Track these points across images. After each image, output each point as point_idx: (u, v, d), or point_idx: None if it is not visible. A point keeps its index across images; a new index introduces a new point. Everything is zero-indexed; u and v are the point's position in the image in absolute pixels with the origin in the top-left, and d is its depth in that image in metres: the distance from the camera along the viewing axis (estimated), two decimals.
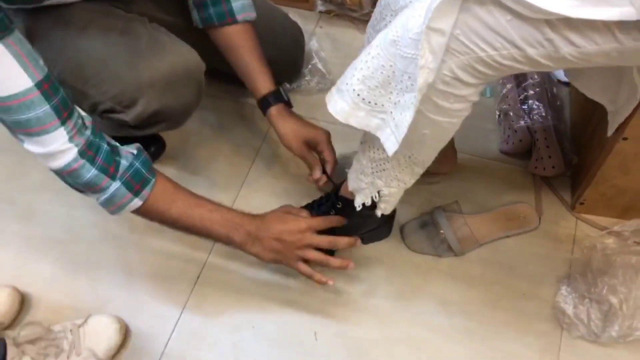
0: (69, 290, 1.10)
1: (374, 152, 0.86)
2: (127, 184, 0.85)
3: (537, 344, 0.99)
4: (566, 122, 1.22)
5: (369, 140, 0.87)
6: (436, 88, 0.71)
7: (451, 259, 1.09)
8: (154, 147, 1.24)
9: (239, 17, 1.02)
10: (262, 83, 1.04)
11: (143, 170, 0.86)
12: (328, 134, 1.04)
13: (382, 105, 0.76)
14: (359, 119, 0.78)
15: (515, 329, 1.01)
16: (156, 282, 1.10)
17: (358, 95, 0.76)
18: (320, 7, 1.47)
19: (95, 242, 1.16)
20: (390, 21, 0.82)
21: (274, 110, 1.03)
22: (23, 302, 1.07)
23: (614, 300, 0.98)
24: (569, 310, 1.00)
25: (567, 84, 1.27)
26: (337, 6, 1.46)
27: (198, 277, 1.10)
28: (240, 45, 1.04)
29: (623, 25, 0.61)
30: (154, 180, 0.88)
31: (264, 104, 1.04)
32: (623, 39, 0.62)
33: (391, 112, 0.76)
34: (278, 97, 1.04)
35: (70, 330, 0.99)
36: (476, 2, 0.64)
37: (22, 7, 0.93)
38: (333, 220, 0.98)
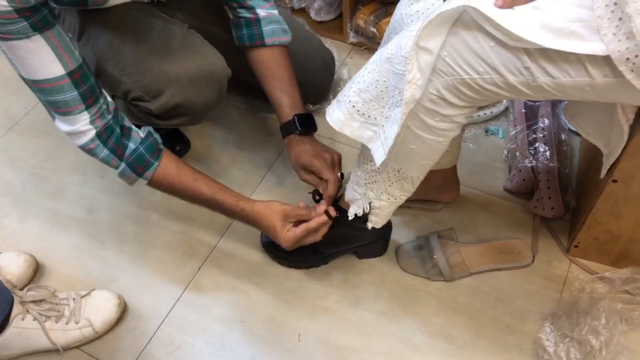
0: (80, 265, 1.18)
1: (367, 164, 0.92)
2: (130, 166, 0.97)
3: None
4: (572, 168, 1.25)
5: (363, 152, 0.92)
6: (423, 105, 0.77)
7: (441, 284, 1.12)
8: (179, 146, 1.34)
9: (268, 41, 1.10)
10: (280, 113, 1.11)
11: (146, 155, 0.97)
12: (331, 157, 1.07)
13: (375, 118, 0.82)
14: (353, 129, 0.84)
15: (493, 358, 1.02)
16: (160, 268, 1.17)
17: (353, 106, 0.82)
18: (353, 38, 1.56)
19: (113, 224, 1.25)
20: None
21: (286, 140, 1.11)
22: (37, 269, 1.17)
23: (594, 342, 0.98)
24: (550, 347, 1.01)
25: (579, 133, 1.30)
26: (368, 39, 1.54)
27: (199, 269, 1.16)
28: (266, 71, 1.11)
29: (594, 61, 0.66)
30: (157, 163, 0.98)
31: (282, 131, 1.12)
32: (594, 73, 0.67)
33: (382, 125, 0.82)
34: (289, 128, 1.10)
35: (73, 299, 1.06)
36: (464, 27, 0.70)
37: (70, 8, 1.05)
38: (316, 222, 1.00)
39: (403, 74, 0.74)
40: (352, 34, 1.56)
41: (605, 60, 0.65)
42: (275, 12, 1.13)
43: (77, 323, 1.04)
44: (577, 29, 0.65)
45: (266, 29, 1.11)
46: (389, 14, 1.51)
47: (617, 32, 0.64)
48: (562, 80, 0.69)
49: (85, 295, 1.08)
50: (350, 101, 0.82)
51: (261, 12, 1.10)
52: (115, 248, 1.21)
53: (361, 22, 1.51)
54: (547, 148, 1.21)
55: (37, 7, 0.80)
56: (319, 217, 1.00)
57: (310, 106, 1.43)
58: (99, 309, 1.07)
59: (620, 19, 0.64)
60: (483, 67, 0.71)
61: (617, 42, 0.64)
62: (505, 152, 1.29)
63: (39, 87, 0.88)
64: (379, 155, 0.82)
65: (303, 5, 1.62)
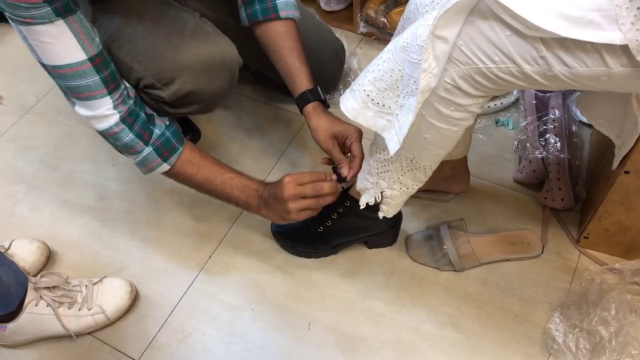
0: (92, 252, 1.19)
1: (379, 153, 0.92)
2: (157, 150, 0.98)
3: None
4: (582, 160, 1.25)
5: (376, 141, 0.93)
6: (438, 94, 0.77)
7: (450, 274, 1.12)
8: (190, 135, 1.34)
9: (282, 13, 1.09)
10: (301, 80, 1.08)
11: (172, 140, 0.99)
12: (359, 131, 1.04)
13: (389, 107, 0.82)
14: (367, 118, 0.84)
15: (502, 348, 1.02)
16: (171, 256, 1.18)
17: (368, 95, 0.83)
18: (363, 29, 1.56)
19: (124, 213, 1.25)
20: None
21: (310, 106, 1.06)
22: (50, 256, 1.18)
23: (604, 332, 0.98)
24: (559, 337, 1.01)
25: (590, 125, 1.30)
26: (378, 30, 1.54)
27: (210, 257, 1.17)
28: (282, 42, 1.10)
29: (611, 50, 0.66)
30: (181, 149, 1.00)
31: (302, 100, 1.07)
32: (611, 63, 0.67)
33: (397, 115, 0.82)
34: (315, 95, 1.07)
35: (86, 286, 1.07)
36: (480, 16, 0.70)
37: None
38: (314, 175, 1.00)
39: (419, 63, 0.74)
40: (362, 24, 1.55)
41: (623, 50, 0.65)
42: None
43: (89, 309, 1.05)
44: (594, 17, 0.65)
45: (280, 2, 1.10)
46: (399, 4, 1.50)
47: (636, 21, 0.63)
48: (578, 70, 0.68)
49: (98, 282, 1.09)
50: (364, 90, 0.82)
51: None
52: (126, 236, 1.21)
53: (371, 12, 1.51)
54: (557, 139, 1.21)
55: None
56: (331, 182, 0.99)
57: None
58: (111, 295, 1.08)
59: (638, 8, 0.63)
60: (499, 56, 0.71)
61: (636, 31, 0.63)
62: (516, 143, 1.29)
63: (60, 72, 0.88)
64: (393, 144, 0.82)
65: None
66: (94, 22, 1.06)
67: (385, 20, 1.50)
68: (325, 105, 1.09)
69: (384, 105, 0.83)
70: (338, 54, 1.38)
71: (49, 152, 1.38)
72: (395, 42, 0.78)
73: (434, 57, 0.72)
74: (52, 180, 1.32)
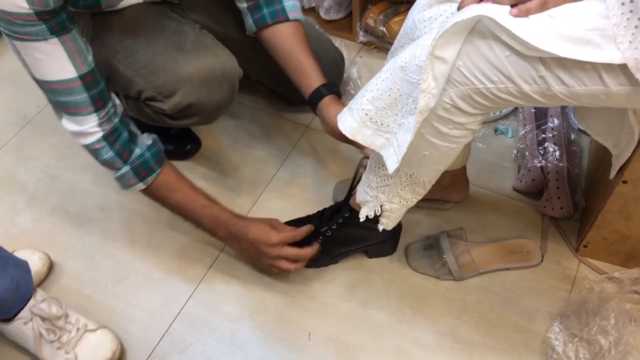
0: (93, 263, 1.20)
1: (379, 168, 0.93)
2: (135, 170, 1.00)
3: None
4: (581, 168, 1.25)
5: (375, 157, 0.93)
6: (437, 114, 0.77)
7: (450, 283, 1.13)
8: (190, 144, 1.35)
9: (291, 15, 1.11)
10: (315, 76, 1.08)
11: (151, 161, 1.01)
12: None
13: (388, 125, 0.82)
14: (366, 137, 0.84)
15: (502, 357, 1.03)
16: (172, 266, 1.18)
17: (366, 114, 0.83)
18: (362, 38, 1.56)
19: (125, 223, 1.26)
20: None
21: (327, 99, 1.06)
22: (52, 266, 1.18)
23: (604, 342, 0.99)
24: (559, 347, 1.02)
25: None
26: (377, 38, 1.55)
27: (210, 267, 1.18)
28: (294, 42, 1.11)
29: (610, 69, 0.66)
30: (159, 170, 1.02)
31: (317, 95, 1.07)
32: (610, 82, 0.67)
33: (395, 133, 0.82)
34: (330, 88, 1.08)
35: (78, 329, 1.04)
36: (479, 36, 0.70)
37: (85, 11, 1.06)
38: (302, 231, 1.07)
39: (417, 83, 0.74)
40: (361, 33, 1.56)
41: (622, 69, 0.66)
42: None
43: (66, 353, 1.03)
44: (593, 37, 0.65)
45: (287, 4, 1.11)
46: (398, 13, 1.51)
47: (634, 40, 0.64)
48: (577, 89, 0.69)
49: (92, 330, 1.05)
50: (363, 109, 0.83)
51: None
52: (126, 247, 1.22)
53: (371, 22, 1.52)
54: (556, 148, 1.21)
55: (56, 11, 0.81)
56: (312, 248, 1.06)
57: None
58: (93, 350, 1.04)
59: (636, 26, 0.64)
60: (498, 76, 0.71)
61: (634, 50, 0.64)
62: (515, 152, 1.30)
63: (50, 87, 0.90)
64: (392, 162, 0.82)
65: (313, 5, 1.62)
66: (95, 35, 1.07)
67: (384, 29, 1.50)
68: (339, 97, 1.09)
69: (382, 124, 0.83)
70: (337, 63, 1.39)
71: (50, 162, 1.38)
72: (394, 62, 0.79)
73: (433, 78, 0.73)
74: (54, 190, 1.33)
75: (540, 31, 0.66)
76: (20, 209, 1.30)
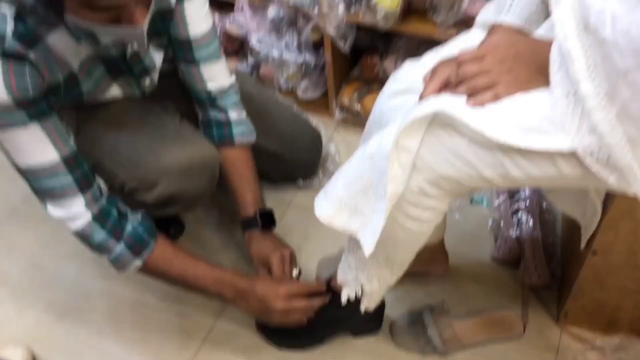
0: (77, 356, 1.19)
1: (357, 249, 0.95)
2: (129, 247, 1.00)
3: None
4: (556, 236, 1.28)
5: (352, 239, 0.95)
6: (406, 198, 0.80)
7: (436, 359, 1.13)
8: (173, 228, 1.37)
9: (237, 140, 1.18)
10: (245, 209, 1.18)
11: (144, 235, 1.02)
12: (282, 255, 1.14)
13: (362, 209, 0.85)
14: (342, 222, 0.87)
15: None
16: (158, 354, 1.18)
17: (341, 200, 0.86)
18: (339, 115, 1.63)
19: (110, 312, 1.26)
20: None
21: (256, 232, 1.18)
22: None
23: None
24: None
25: None
26: (353, 115, 1.61)
27: (196, 354, 1.17)
28: (233, 169, 1.19)
29: (562, 155, 0.70)
30: (154, 244, 1.03)
31: (248, 224, 1.19)
32: (563, 167, 0.71)
33: (370, 217, 0.85)
34: (251, 224, 1.18)
35: None
36: (440, 126, 0.75)
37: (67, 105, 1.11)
38: (311, 288, 1.09)
39: (385, 171, 0.78)
40: (337, 110, 1.62)
41: (572, 155, 0.70)
42: (244, 113, 1.20)
43: None
44: (544, 126, 0.70)
45: (237, 130, 1.18)
46: (371, 90, 1.57)
47: (580, 127, 0.69)
48: (534, 174, 0.73)
49: None
50: (337, 194, 0.86)
51: (233, 115, 1.17)
52: (111, 337, 1.21)
53: (346, 99, 1.58)
54: (529, 217, 1.25)
55: (35, 100, 0.84)
56: (321, 298, 1.07)
57: (301, 181, 1.48)
58: None
59: (581, 115, 0.69)
60: (460, 163, 0.75)
61: (581, 137, 0.68)
62: (490, 222, 1.33)
63: (33, 173, 0.91)
64: (368, 245, 0.84)
65: (290, 86, 1.69)
66: (79, 130, 1.10)
67: (359, 107, 1.57)
68: (266, 227, 1.18)
69: (356, 209, 0.86)
70: (315, 143, 1.44)
71: (34, 252, 1.39)
72: (364, 149, 0.83)
73: (399, 165, 0.77)
74: (38, 280, 1.33)
75: (495, 121, 0.71)
76: (2, 300, 1.30)
